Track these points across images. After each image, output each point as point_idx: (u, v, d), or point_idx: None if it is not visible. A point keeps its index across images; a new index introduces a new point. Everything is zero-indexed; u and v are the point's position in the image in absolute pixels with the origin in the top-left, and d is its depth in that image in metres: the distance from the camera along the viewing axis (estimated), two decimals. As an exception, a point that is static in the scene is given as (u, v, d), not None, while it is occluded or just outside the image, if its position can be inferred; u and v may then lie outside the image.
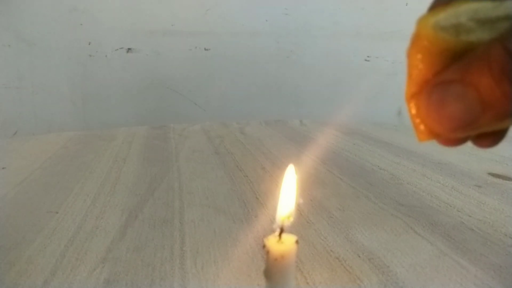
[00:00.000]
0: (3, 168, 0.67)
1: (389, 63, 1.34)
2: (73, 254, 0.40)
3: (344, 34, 1.31)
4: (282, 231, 0.24)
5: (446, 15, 0.19)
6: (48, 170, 0.67)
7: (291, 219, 0.24)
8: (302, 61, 1.31)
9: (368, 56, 1.33)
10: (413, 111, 0.20)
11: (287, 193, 0.25)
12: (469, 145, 0.22)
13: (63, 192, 0.56)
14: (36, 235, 0.43)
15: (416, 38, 0.20)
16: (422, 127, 0.20)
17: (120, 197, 0.55)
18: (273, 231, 0.25)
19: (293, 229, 0.27)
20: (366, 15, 1.31)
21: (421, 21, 0.19)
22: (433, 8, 0.20)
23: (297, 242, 0.24)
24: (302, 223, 0.46)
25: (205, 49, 1.26)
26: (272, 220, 0.47)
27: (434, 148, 0.76)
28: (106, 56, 1.22)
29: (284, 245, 0.23)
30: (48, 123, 1.22)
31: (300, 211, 0.49)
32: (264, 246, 0.24)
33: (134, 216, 0.49)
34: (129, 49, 1.23)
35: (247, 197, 0.55)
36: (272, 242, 0.23)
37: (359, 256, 0.40)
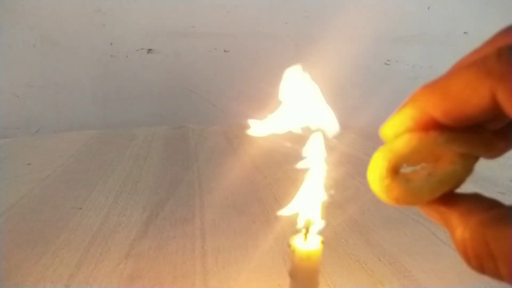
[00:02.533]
0: (28, 164, 0.69)
1: (410, 67, 1.32)
2: (97, 249, 0.40)
3: (364, 38, 1.30)
4: (307, 231, 0.24)
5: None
6: (71, 167, 0.68)
7: (317, 219, 0.24)
8: (321, 63, 1.31)
9: (388, 60, 1.32)
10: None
11: (313, 193, 0.26)
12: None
13: (86, 188, 0.57)
14: (61, 229, 0.44)
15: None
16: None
17: (142, 195, 0.55)
18: (295, 232, 0.25)
19: (312, 231, 0.27)
20: (386, 19, 1.30)
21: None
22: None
23: (322, 242, 0.24)
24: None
25: (224, 51, 1.27)
26: (293, 222, 0.47)
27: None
28: (127, 56, 1.24)
29: (309, 245, 0.23)
30: (69, 121, 1.24)
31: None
32: (289, 246, 0.24)
33: (156, 214, 0.49)
34: (149, 50, 1.25)
35: (266, 198, 0.55)
36: (297, 242, 0.24)
37: (380, 260, 0.39)
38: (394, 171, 0.18)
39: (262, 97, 1.31)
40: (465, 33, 1.30)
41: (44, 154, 0.76)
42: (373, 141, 0.90)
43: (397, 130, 0.19)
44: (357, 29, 1.30)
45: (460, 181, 0.19)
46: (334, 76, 1.32)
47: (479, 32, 1.29)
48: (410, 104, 0.18)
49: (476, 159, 0.20)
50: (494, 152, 0.20)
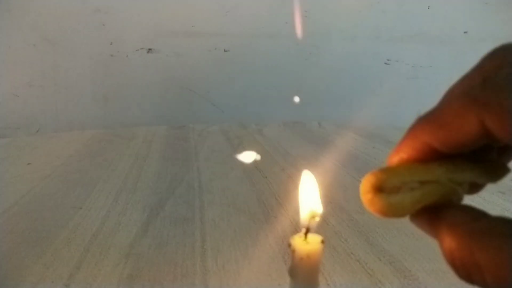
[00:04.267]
0: (28, 164, 0.69)
1: (409, 66, 1.32)
2: (97, 249, 0.40)
3: (364, 37, 1.30)
4: (308, 230, 0.24)
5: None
6: (71, 166, 0.68)
7: (317, 219, 0.24)
8: (321, 63, 1.31)
9: (388, 60, 1.32)
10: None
11: (311, 194, 0.26)
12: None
13: (86, 188, 0.57)
14: (61, 229, 0.44)
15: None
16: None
17: (142, 194, 0.55)
18: (295, 231, 0.25)
19: (312, 231, 0.27)
20: (386, 18, 1.30)
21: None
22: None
23: (322, 242, 0.24)
24: (322, 225, 0.46)
25: (224, 51, 1.27)
26: (292, 221, 0.47)
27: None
28: (127, 56, 1.24)
29: (310, 244, 0.23)
30: (69, 121, 1.24)
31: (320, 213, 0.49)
32: (289, 245, 0.24)
33: (156, 213, 0.49)
34: (149, 50, 1.24)
35: (266, 198, 0.55)
36: (298, 241, 0.24)
37: (380, 259, 0.39)
38: (379, 188, 0.19)
39: (262, 97, 1.31)
40: (465, 32, 1.30)
41: (44, 154, 0.76)
42: (373, 141, 0.90)
43: (401, 159, 0.20)
44: (357, 28, 1.30)
45: (446, 198, 0.19)
46: (334, 76, 1.32)
47: (479, 32, 1.29)
48: (409, 135, 0.20)
49: (480, 186, 0.20)
50: (497, 178, 0.20)
